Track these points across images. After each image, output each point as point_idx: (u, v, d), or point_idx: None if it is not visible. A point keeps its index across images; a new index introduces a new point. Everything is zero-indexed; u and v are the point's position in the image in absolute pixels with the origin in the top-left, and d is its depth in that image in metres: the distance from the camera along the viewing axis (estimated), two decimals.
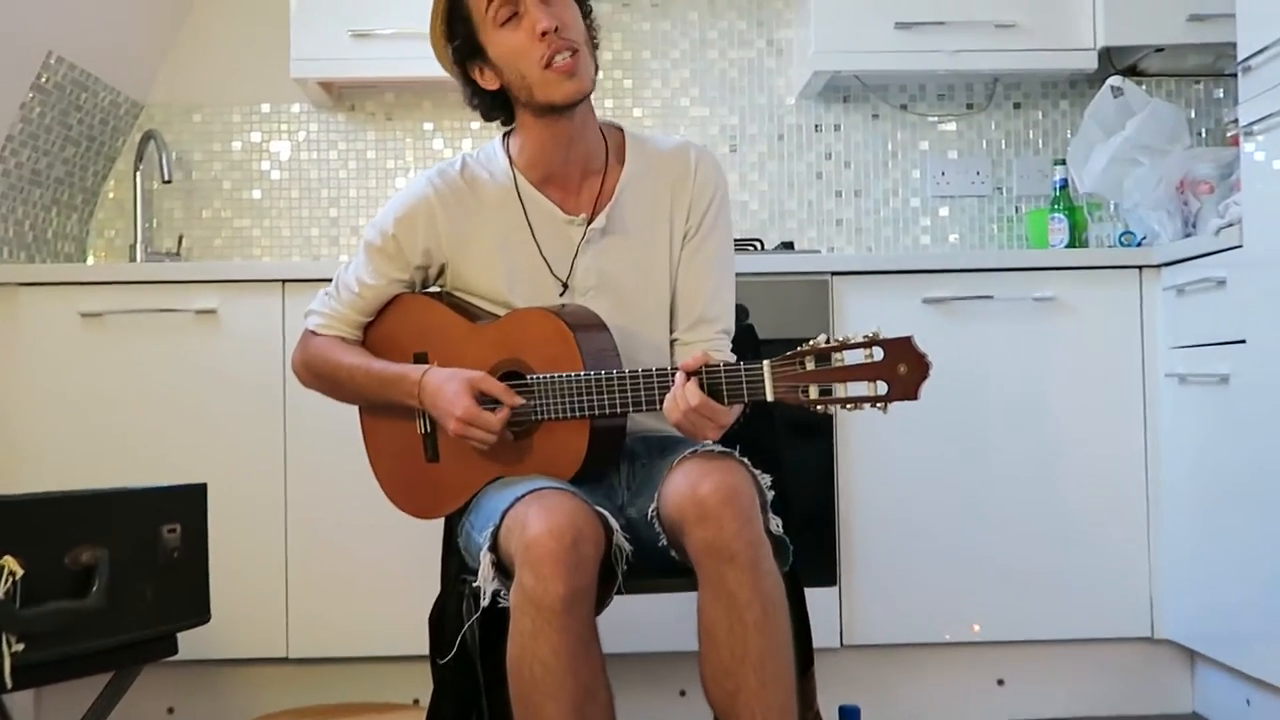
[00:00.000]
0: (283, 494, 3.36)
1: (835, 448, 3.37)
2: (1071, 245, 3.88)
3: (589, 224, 2.35)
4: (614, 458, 2.31)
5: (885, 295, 3.40)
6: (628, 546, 2.10)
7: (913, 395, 1.88)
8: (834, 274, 3.39)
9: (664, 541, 2.14)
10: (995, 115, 4.29)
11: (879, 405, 1.90)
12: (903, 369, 1.88)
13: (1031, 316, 3.42)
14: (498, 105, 2.36)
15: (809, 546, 3.31)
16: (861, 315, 3.38)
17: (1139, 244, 3.75)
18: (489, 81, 2.31)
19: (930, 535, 3.40)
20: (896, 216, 4.26)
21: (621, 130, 2.45)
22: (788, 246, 3.97)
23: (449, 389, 2.24)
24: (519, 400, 2.22)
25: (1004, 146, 4.28)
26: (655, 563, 2.17)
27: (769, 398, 2.00)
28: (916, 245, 4.26)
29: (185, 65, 4.22)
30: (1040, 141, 4.28)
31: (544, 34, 2.20)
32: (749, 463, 2.17)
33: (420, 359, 2.39)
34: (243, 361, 3.37)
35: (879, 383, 1.90)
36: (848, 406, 1.92)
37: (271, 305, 3.37)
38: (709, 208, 2.41)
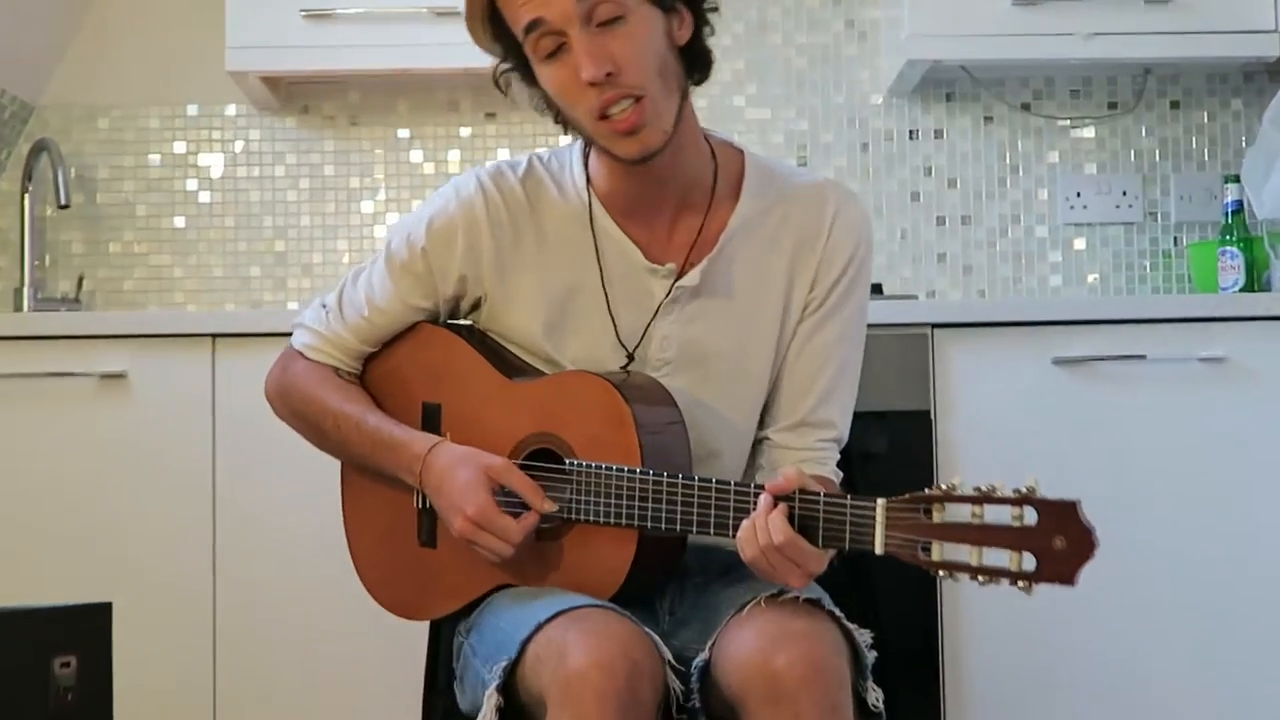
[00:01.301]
0: (211, 614, 3.36)
1: None
2: (1248, 289, 3.86)
3: (677, 278, 2.32)
4: (664, 582, 2.28)
5: (1003, 354, 3.39)
6: (678, 686, 2.08)
7: (1069, 579, 1.82)
8: (935, 326, 3.40)
9: (696, 701, 2.10)
10: (1146, 118, 4.30)
11: (1022, 585, 1.85)
12: (1060, 543, 1.83)
13: (1197, 382, 3.41)
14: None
15: (904, 687, 3.28)
16: (972, 381, 3.37)
17: None
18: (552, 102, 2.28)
19: (1066, 675, 3.38)
20: (1017, 250, 4.27)
21: (742, 155, 2.41)
22: (875, 290, 3.97)
23: (461, 477, 2.21)
24: (550, 506, 2.18)
25: (1158, 159, 4.29)
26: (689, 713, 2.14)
27: (877, 549, 1.95)
28: (1044, 289, 4.26)
29: (89, 57, 4.27)
30: (1205, 153, 4.29)
31: (589, 83, 2.15)
32: (842, 615, 2.12)
33: (430, 413, 2.37)
34: (161, 440, 3.39)
35: (1025, 554, 1.85)
36: (980, 579, 1.88)
37: (198, 367, 3.38)
38: (842, 276, 2.35)
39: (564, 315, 2.33)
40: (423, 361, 2.40)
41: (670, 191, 2.32)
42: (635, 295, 2.32)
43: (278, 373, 2.50)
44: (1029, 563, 1.85)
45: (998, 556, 1.87)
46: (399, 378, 2.42)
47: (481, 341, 2.39)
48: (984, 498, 1.88)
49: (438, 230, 2.35)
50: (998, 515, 1.87)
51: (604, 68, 2.13)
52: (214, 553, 3.37)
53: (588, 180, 2.35)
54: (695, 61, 2.28)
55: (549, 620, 2.04)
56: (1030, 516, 1.85)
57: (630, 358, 2.31)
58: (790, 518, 2.01)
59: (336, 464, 2.47)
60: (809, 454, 2.33)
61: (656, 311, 2.31)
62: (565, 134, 2.33)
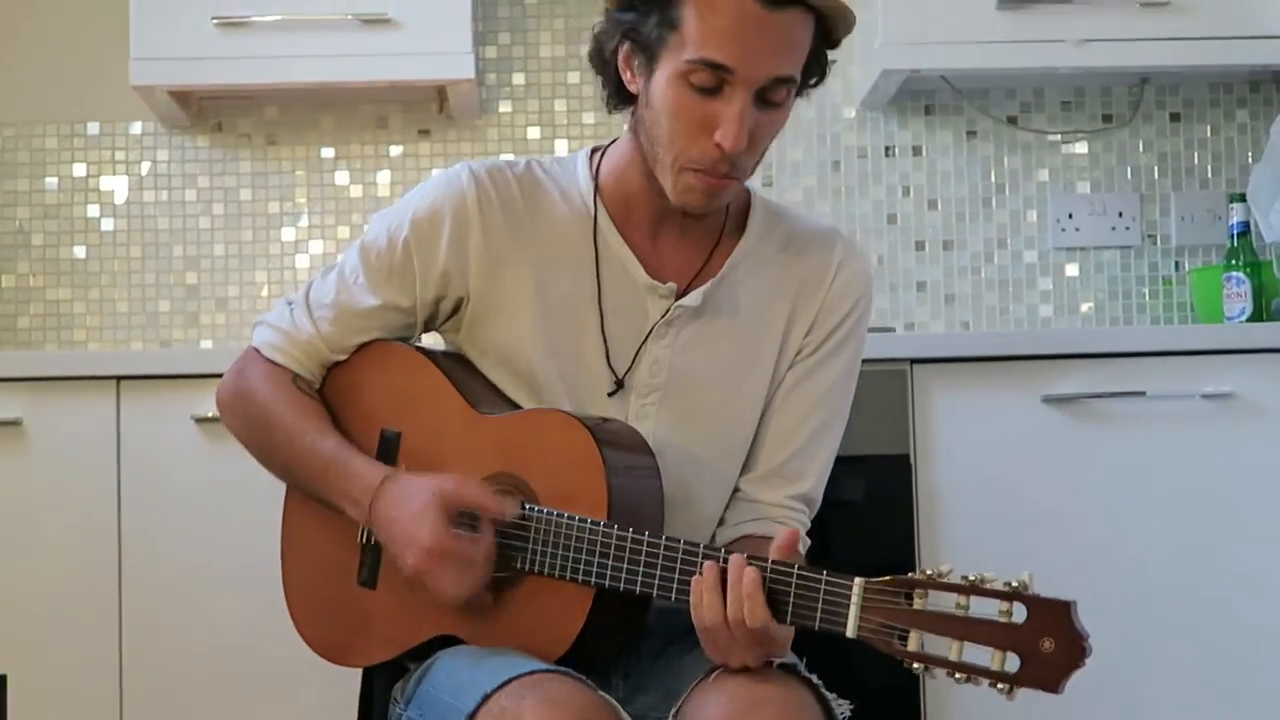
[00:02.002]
0: (117, 684, 3.35)
1: None
2: (1256, 318, 3.89)
3: (678, 298, 2.36)
4: (621, 645, 2.29)
5: (989, 392, 3.42)
6: None
7: (1053, 686, 1.86)
8: (915, 362, 3.42)
9: None
10: (1144, 132, 4.34)
11: (1001, 687, 1.88)
12: (1048, 646, 1.85)
13: (1201, 420, 3.43)
14: (627, 97, 2.35)
15: None
16: (955, 421, 3.40)
17: None
18: (633, 81, 2.31)
19: None
20: (1004, 278, 4.30)
21: (749, 192, 2.48)
22: None
23: (412, 504, 2.18)
24: (513, 507, 2.18)
25: (1157, 176, 4.33)
26: None
27: (849, 632, 1.97)
28: (1033, 320, 4.29)
29: None
30: (1208, 169, 4.33)
31: (719, 145, 2.20)
32: (819, 682, 2.14)
33: (388, 441, 2.37)
34: (60, 494, 3.38)
35: (1010, 655, 1.88)
36: (957, 676, 1.89)
37: (101, 413, 3.38)
38: (840, 326, 2.43)
39: (555, 327, 2.35)
40: (387, 383, 2.40)
41: (680, 214, 2.36)
42: (630, 314, 2.36)
43: (234, 374, 2.47)
44: (1013, 663, 1.87)
45: (979, 654, 1.89)
46: (359, 398, 2.42)
47: (453, 367, 2.40)
48: (972, 588, 1.89)
49: (423, 219, 2.36)
50: (984, 608, 1.89)
51: (743, 141, 2.19)
52: (120, 617, 3.36)
53: (595, 189, 2.40)
54: None
55: (499, 688, 2.03)
56: (1019, 613, 1.87)
57: (619, 383, 2.35)
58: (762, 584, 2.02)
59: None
60: (778, 512, 2.37)
61: (650, 333, 2.35)
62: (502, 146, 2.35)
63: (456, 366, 2.40)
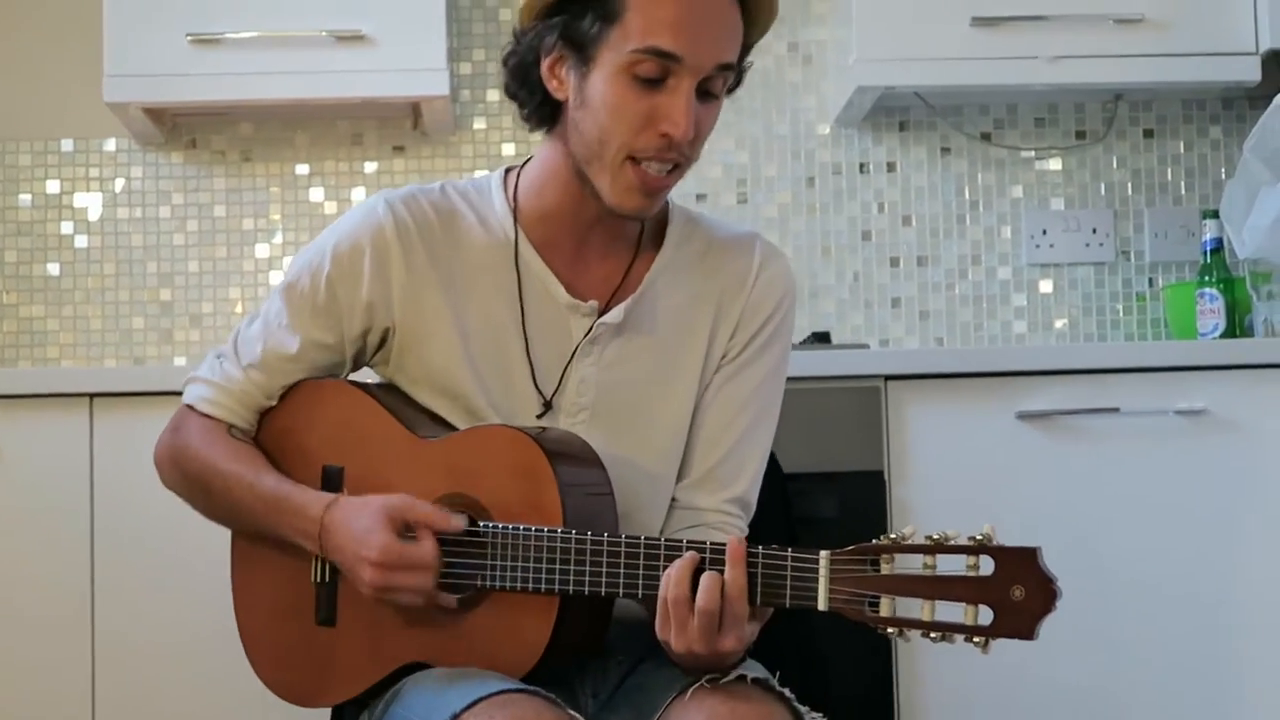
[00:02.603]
0: (89, 704, 3.34)
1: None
2: (1229, 334, 3.90)
3: (600, 315, 2.36)
4: (586, 657, 2.28)
5: (963, 408, 3.42)
6: None
7: (1027, 633, 1.88)
8: (889, 378, 3.42)
9: None
10: (1117, 148, 4.35)
11: (977, 641, 1.89)
12: (1018, 594, 1.87)
13: (1174, 437, 3.44)
14: (550, 113, 2.35)
15: None
16: (929, 438, 3.40)
17: None
18: (560, 88, 2.30)
19: None
20: (978, 294, 4.31)
21: (668, 205, 2.46)
22: (821, 339, 3.98)
23: (357, 525, 2.18)
24: (459, 523, 2.17)
25: (1130, 192, 4.34)
26: None
27: (820, 605, 1.97)
28: (1007, 336, 4.30)
29: None
30: (1182, 185, 4.34)
31: (665, 135, 2.21)
32: (792, 696, 2.14)
33: (331, 477, 2.34)
34: (32, 511, 3.37)
35: (982, 608, 1.89)
36: (932, 636, 1.91)
37: (74, 431, 3.37)
38: (763, 328, 2.42)
39: (480, 352, 2.34)
40: (323, 419, 2.39)
41: (600, 230, 2.37)
42: (554, 335, 2.35)
43: (168, 434, 2.46)
44: (985, 616, 1.89)
45: (952, 611, 1.90)
46: (296, 438, 2.40)
47: (387, 396, 2.38)
48: (936, 547, 1.91)
49: (343, 253, 2.35)
50: (952, 566, 1.90)
51: (690, 131, 2.20)
52: (92, 635, 3.35)
53: (513, 211, 2.39)
54: None
55: (467, 709, 2.02)
56: (987, 566, 1.89)
57: (547, 405, 2.34)
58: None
59: (227, 538, 2.46)
60: (714, 518, 2.37)
61: (574, 353, 2.35)
62: (471, 167, 2.36)
63: (391, 395, 2.39)
